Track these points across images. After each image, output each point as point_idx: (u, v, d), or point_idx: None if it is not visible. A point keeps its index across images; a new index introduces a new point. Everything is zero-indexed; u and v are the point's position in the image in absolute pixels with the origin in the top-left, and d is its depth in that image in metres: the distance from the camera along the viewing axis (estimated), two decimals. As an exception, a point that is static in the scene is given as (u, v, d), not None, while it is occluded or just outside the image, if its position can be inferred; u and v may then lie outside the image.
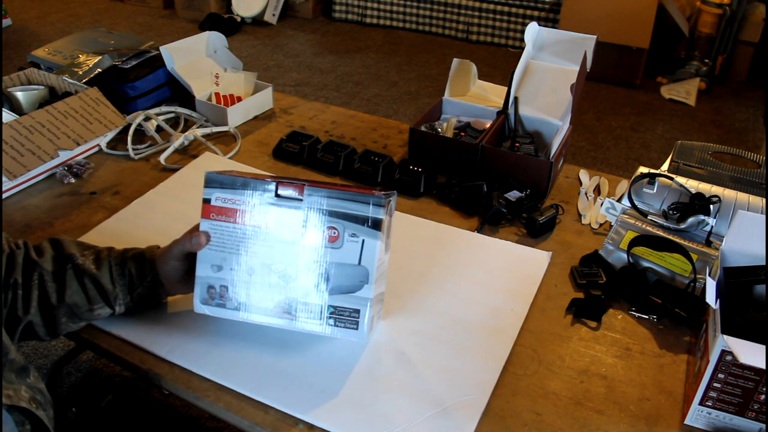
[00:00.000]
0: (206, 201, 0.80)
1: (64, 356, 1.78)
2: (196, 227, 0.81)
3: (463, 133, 1.28)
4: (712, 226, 1.02)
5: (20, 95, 1.30)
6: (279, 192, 0.78)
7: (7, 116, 1.18)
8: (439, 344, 0.85)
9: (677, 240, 0.98)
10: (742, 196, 1.06)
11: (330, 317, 0.77)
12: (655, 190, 1.08)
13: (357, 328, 0.77)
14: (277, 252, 0.78)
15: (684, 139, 1.30)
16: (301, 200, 0.78)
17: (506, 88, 1.30)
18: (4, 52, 3.79)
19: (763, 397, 0.70)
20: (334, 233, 0.77)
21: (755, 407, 0.71)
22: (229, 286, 0.79)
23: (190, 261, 0.82)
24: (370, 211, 0.76)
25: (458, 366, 0.82)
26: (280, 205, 0.78)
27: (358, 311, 0.77)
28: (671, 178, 1.09)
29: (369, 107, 3.40)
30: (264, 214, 0.78)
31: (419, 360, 0.82)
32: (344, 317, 0.77)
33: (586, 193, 1.19)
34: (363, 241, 0.77)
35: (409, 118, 3.26)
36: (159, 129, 1.35)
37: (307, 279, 0.78)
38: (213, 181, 0.79)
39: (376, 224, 0.76)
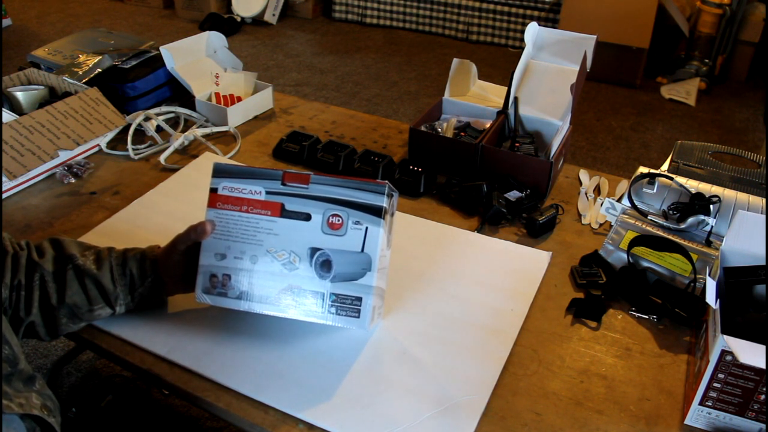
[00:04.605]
0: (213, 190, 0.81)
1: (64, 356, 1.78)
2: (199, 223, 0.81)
3: (463, 133, 1.28)
4: (712, 226, 1.02)
5: (20, 95, 1.30)
6: (285, 181, 0.79)
7: (7, 116, 1.18)
8: (440, 344, 0.85)
9: (677, 240, 0.98)
10: (742, 196, 1.06)
11: (332, 305, 0.78)
12: (655, 190, 1.09)
13: (359, 317, 0.77)
14: (281, 240, 0.79)
15: (684, 139, 1.30)
16: (306, 188, 0.79)
17: (506, 88, 1.30)
18: (4, 52, 3.79)
19: (763, 397, 0.70)
20: (338, 221, 0.78)
21: (755, 407, 0.71)
22: (231, 275, 0.80)
23: (192, 257, 0.82)
24: (375, 199, 0.78)
25: (458, 366, 0.82)
26: (286, 193, 0.79)
27: (360, 299, 0.77)
28: (671, 178, 1.09)
29: (369, 107, 3.40)
30: (270, 202, 0.79)
31: (419, 360, 0.82)
32: (346, 305, 0.77)
33: (586, 193, 1.19)
34: (366, 228, 0.77)
35: (409, 118, 3.26)
36: (159, 129, 1.35)
37: (309, 267, 0.78)
38: (221, 171, 0.82)
39: (380, 212, 0.77)
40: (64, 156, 1.21)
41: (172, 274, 0.84)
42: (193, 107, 1.42)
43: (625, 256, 0.97)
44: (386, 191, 0.78)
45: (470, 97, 1.44)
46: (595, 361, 0.84)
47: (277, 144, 1.31)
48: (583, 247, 1.05)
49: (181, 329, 0.85)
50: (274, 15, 4.52)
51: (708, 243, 1.00)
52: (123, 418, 1.17)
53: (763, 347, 0.68)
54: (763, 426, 0.72)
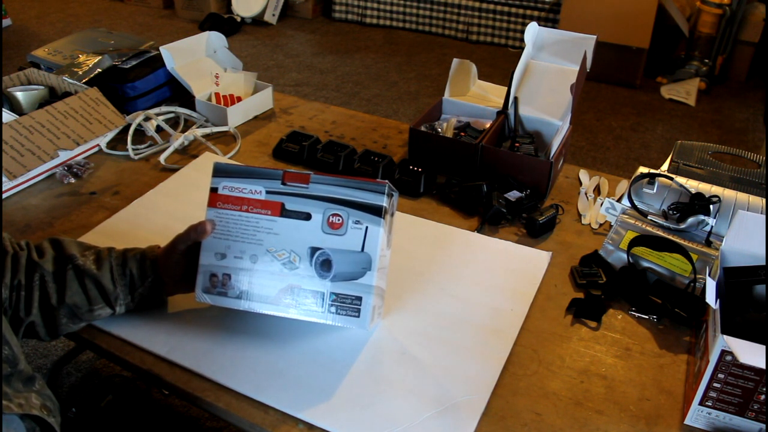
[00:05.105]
0: (213, 190, 0.82)
1: (64, 356, 1.78)
2: (199, 222, 0.81)
3: (463, 133, 1.28)
4: (712, 226, 1.02)
5: (20, 95, 1.30)
6: (285, 181, 0.80)
7: (7, 116, 1.18)
8: (439, 344, 0.85)
9: (677, 240, 0.98)
10: (742, 196, 1.06)
11: (332, 305, 0.78)
12: (655, 190, 1.09)
13: (359, 316, 0.77)
14: (281, 239, 0.79)
15: (684, 139, 1.30)
16: (306, 188, 0.79)
17: (506, 88, 1.30)
18: (4, 52, 3.79)
19: (763, 397, 0.70)
20: (338, 220, 0.78)
21: (755, 407, 0.71)
22: (231, 274, 0.80)
23: (192, 257, 0.82)
24: (375, 199, 0.78)
25: (458, 366, 0.82)
26: (286, 193, 0.79)
27: (360, 298, 0.77)
28: (671, 178, 1.09)
29: (369, 107, 3.40)
30: (270, 202, 0.79)
31: (419, 360, 0.82)
32: (346, 305, 0.77)
33: (586, 193, 1.19)
34: (366, 228, 0.77)
35: (409, 118, 3.26)
36: (159, 129, 1.35)
37: (309, 266, 0.78)
38: (221, 170, 0.82)
39: (380, 211, 0.77)
40: (64, 156, 1.21)
41: (172, 274, 0.84)
42: (193, 107, 1.42)
43: (625, 256, 0.97)
44: (386, 191, 0.78)
45: (470, 97, 1.44)
46: (595, 361, 0.84)
47: (277, 144, 1.31)
48: (583, 247, 1.05)
49: (181, 329, 0.85)
50: (274, 15, 4.52)
51: (708, 243, 1.00)
52: (123, 418, 1.16)
53: (763, 347, 0.68)
54: (763, 426, 0.72)
